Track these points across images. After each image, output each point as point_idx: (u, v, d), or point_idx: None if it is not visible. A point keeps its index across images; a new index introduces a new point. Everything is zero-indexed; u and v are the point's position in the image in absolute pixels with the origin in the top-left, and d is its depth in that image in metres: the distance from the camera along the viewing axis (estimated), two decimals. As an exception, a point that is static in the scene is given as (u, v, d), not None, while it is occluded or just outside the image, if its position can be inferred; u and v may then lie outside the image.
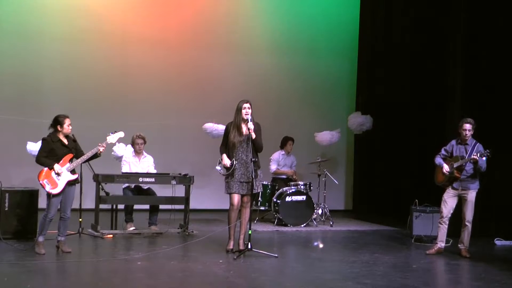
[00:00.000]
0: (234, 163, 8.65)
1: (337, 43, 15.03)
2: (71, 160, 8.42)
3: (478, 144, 9.13)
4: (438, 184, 9.47)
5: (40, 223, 8.43)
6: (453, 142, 9.34)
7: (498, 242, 10.42)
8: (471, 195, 9.12)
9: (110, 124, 8.92)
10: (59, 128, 8.38)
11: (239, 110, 8.71)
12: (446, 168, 9.15)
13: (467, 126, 9.13)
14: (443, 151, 9.39)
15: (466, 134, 9.12)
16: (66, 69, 13.43)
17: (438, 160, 9.34)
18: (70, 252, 8.46)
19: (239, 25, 14.50)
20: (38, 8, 13.35)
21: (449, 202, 9.24)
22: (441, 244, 9.29)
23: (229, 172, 8.68)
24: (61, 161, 8.32)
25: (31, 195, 9.57)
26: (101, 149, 8.53)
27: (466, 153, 9.11)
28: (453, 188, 9.20)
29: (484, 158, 8.91)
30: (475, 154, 8.89)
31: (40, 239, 8.35)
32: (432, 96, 12.22)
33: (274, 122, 13.47)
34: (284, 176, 12.60)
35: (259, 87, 14.15)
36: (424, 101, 12.52)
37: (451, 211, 9.26)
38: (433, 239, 9.90)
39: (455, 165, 9.08)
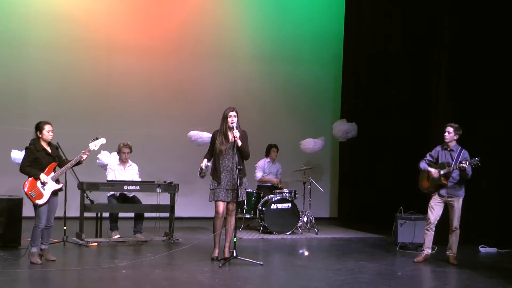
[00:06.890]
0: (206, 166, 8.79)
1: (322, 51, 15.06)
2: (54, 169, 8.37)
3: (464, 150, 9.15)
4: (423, 190, 9.48)
5: (33, 234, 8.29)
6: (438, 147, 9.36)
7: (483, 249, 10.47)
8: (458, 203, 9.15)
9: (95, 133, 8.86)
10: (39, 135, 8.32)
11: (225, 117, 8.72)
12: (434, 171, 9.15)
13: (448, 128, 9.19)
14: (428, 157, 9.39)
15: (445, 136, 9.17)
16: (50, 78, 13.35)
17: (423, 165, 9.33)
18: (54, 260, 8.41)
19: (224, 34, 14.49)
20: (22, 16, 13.26)
21: (436, 209, 9.24)
22: (428, 251, 9.30)
23: (201, 174, 8.82)
24: (45, 170, 8.25)
25: (16, 203, 9.49)
26: (84, 156, 8.49)
27: (452, 159, 9.11)
28: (440, 195, 9.20)
29: (472, 166, 8.92)
30: (464, 162, 8.88)
31: (34, 249, 8.27)
32: (416, 104, 12.28)
33: (259, 130, 13.43)
34: (269, 184, 12.61)
35: (244, 95, 14.16)
36: (408, 108, 12.57)
37: (438, 218, 9.27)
38: (417, 246, 9.94)
39: (442, 172, 9.09)
